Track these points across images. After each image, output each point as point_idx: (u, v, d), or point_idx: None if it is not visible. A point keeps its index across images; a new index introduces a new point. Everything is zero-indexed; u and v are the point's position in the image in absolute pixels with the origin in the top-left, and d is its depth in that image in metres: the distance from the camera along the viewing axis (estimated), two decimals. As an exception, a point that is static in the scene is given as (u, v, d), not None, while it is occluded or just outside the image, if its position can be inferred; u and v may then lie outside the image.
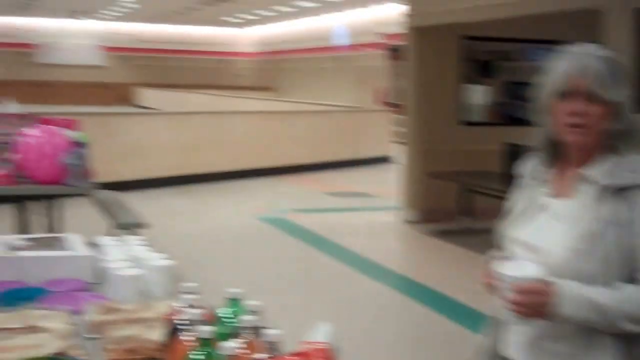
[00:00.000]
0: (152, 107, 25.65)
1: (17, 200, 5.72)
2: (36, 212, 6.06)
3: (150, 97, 29.28)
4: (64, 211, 6.26)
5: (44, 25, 30.54)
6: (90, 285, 2.85)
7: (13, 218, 5.92)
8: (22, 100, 25.31)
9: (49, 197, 5.84)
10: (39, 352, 1.99)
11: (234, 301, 1.87)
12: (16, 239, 3.21)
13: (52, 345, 2.07)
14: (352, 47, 25.49)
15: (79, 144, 5.63)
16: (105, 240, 3.24)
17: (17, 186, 5.43)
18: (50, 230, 5.80)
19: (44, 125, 5.84)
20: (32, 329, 2.20)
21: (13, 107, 6.23)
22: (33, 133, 5.59)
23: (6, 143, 5.73)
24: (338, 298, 6.73)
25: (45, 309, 2.43)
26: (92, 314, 2.34)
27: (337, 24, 26.46)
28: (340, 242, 8.83)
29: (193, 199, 11.85)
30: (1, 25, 28.43)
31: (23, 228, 5.65)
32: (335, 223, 10.00)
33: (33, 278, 2.85)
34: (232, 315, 1.82)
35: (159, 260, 2.80)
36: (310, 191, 12.80)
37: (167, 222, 9.44)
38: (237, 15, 29.01)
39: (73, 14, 28.53)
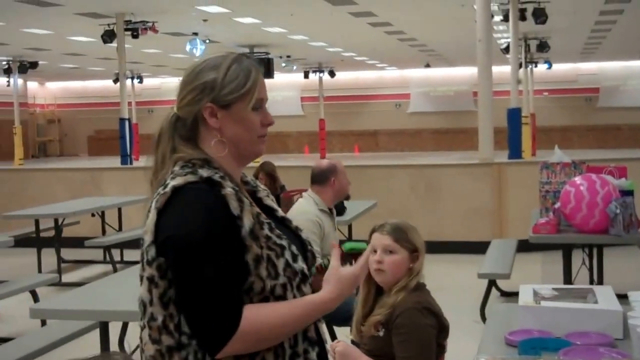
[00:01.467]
0: None
1: (562, 248, 5.94)
2: (581, 261, 6.23)
3: None
4: (608, 261, 6.31)
5: (607, 68, 30.86)
6: (616, 341, 2.89)
7: (558, 265, 6.16)
8: (583, 145, 25.70)
9: (593, 246, 5.96)
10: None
11: None
12: (545, 288, 3.40)
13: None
14: None
15: (626, 192, 5.65)
16: (637, 296, 3.24)
17: (561, 234, 5.67)
18: (592, 279, 5.90)
19: (593, 174, 5.99)
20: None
21: (562, 156, 6.51)
22: (580, 182, 5.77)
23: (555, 191, 6.02)
24: None
25: (562, 360, 2.55)
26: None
27: None
28: None
29: None
30: (561, 71, 29.48)
31: (567, 276, 5.85)
32: None
33: (558, 329, 2.99)
34: None
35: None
36: None
37: None
38: None
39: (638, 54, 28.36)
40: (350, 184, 5.11)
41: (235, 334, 1.77)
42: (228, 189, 1.83)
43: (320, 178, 4.96)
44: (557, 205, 5.83)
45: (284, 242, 1.89)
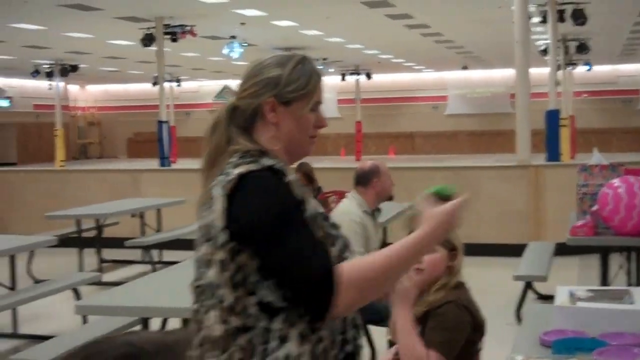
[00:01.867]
0: None
1: (600, 251, 5.94)
2: (619, 264, 6.21)
3: None
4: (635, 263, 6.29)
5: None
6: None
7: (595, 269, 6.15)
8: (622, 148, 25.41)
9: (631, 249, 5.94)
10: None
11: None
12: (581, 290, 3.42)
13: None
14: None
15: (663, 195, 5.62)
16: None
17: (598, 237, 5.66)
18: (629, 283, 5.89)
19: (631, 176, 5.97)
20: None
21: (600, 159, 6.49)
22: (618, 184, 5.76)
23: (592, 194, 6.01)
24: None
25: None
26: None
27: None
28: None
29: None
30: (601, 73, 29.21)
31: (604, 279, 5.84)
32: None
33: (593, 329, 3.02)
34: None
35: None
36: None
37: None
38: None
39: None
40: (394, 185, 5.15)
41: (340, 285, 1.82)
42: (291, 177, 1.93)
43: (363, 179, 5.01)
44: (595, 207, 5.83)
45: (336, 233, 1.98)
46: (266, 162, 1.93)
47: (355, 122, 26.14)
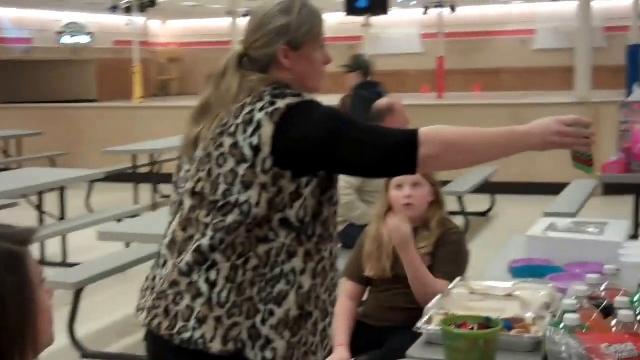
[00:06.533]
0: None
1: (633, 189, 6.06)
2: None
3: None
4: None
5: None
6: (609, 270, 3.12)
7: (629, 206, 6.26)
8: None
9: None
10: (497, 315, 2.41)
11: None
12: (564, 221, 3.64)
13: (512, 311, 2.48)
14: None
15: None
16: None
17: (630, 174, 5.79)
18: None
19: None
20: (509, 298, 2.64)
21: (640, 95, 6.55)
22: (654, 121, 5.86)
23: (627, 131, 6.11)
24: None
25: (540, 283, 2.83)
26: (572, 292, 2.66)
27: None
28: None
29: None
30: None
31: (636, 218, 5.97)
32: None
33: (561, 259, 3.25)
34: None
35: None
36: None
37: None
38: None
39: None
40: (409, 123, 5.37)
41: (424, 135, 2.11)
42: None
43: (377, 117, 5.27)
44: (631, 144, 5.94)
45: None
46: (307, 96, 2.22)
47: (437, 58, 25.97)
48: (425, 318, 2.55)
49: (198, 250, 2.19)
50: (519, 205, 8.64)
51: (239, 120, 2.18)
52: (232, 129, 2.18)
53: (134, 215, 6.82)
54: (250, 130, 2.15)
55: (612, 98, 11.54)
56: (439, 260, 3.33)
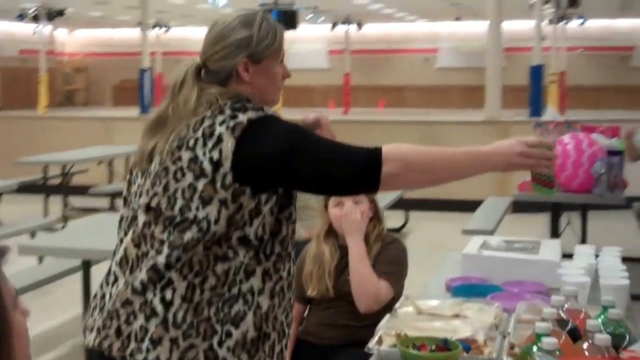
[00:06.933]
0: None
1: (548, 208, 6.16)
2: (570, 220, 6.42)
3: None
4: (594, 221, 6.50)
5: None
6: (548, 290, 3.12)
7: (547, 225, 6.36)
8: (616, 105, 25.29)
9: (578, 206, 6.14)
10: (449, 336, 2.36)
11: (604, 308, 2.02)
12: (495, 239, 3.63)
13: (463, 332, 2.43)
14: None
15: (616, 153, 5.81)
16: (584, 249, 3.46)
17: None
18: (580, 239, 6.10)
19: (581, 133, 6.17)
20: (456, 317, 2.59)
21: (555, 115, 6.69)
22: (568, 140, 5.95)
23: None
24: None
25: (484, 303, 2.80)
26: (519, 312, 2.63)
27: None
28: None
29: None
30: (595, 28, 29.15)
31: (554, 235, 6.06)
32: None
33: (497, 277, 3.24)
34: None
35: (614, 276, 2.93)
36: None
37: None
38: None
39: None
40: (336, 138, 5.32)
41: (387, 154, 2.07)
42: None
43: None
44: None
45: None
46: (268, 111, 2.14)
47: (343, 74, 26.16)
48: (375, 338, 2.48)
49: (153, 268, 2.08)
50: (433, 222, 8.69)
51: (199, 134, 2.08)
52: (190, 143, 2.08)
53: (47, 229, 6.56)
54: (210, 144, 2.06)
55: (518, 117, 11.82)
56: (380, 263, 3.28)
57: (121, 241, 2.20)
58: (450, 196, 9.25)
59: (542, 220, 7.21)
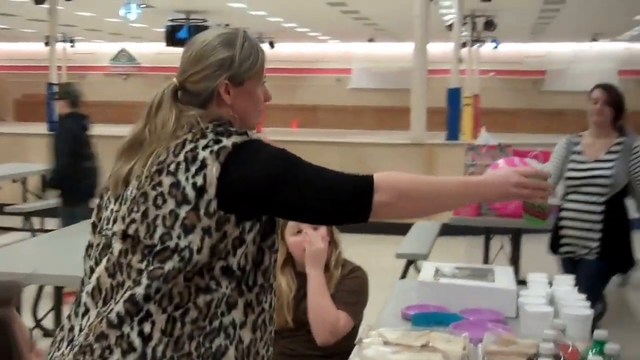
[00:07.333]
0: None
1: (483, 232, 6.23)
2: (501, 244, 6.50)
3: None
4: (525, 245, 6.59)
5: (554, 50, 31.41)
6: (506, 318, 3.13)
7: (480, 249, 6.43)
8: (528, 129, 25.98)
9: (510, 231, 6.23)
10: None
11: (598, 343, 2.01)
12: (448, 266, 3.63)
13: (436, 365, 2.40)
14: None
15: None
16: (537, 277, 3.48)
17: (482, 217, 5.94)
18: (511, 262, 6.19)
19: (516, 157, 6.25)
20: (426, 348, 2.56)
21: (488, 138, 6.77)
22: (502, 165, 6.02)
23: (480, 173, 6.27)
24: None
25: (449, 333, 2.77)
26: (487, 343, 2.62)
27: None
28: None
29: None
30: (508, 52, 29.90)
31: (486, 259, 6.13)
32: None
33: (454, 305, 3.23)
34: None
35: (576, 306, 2.96)
36: None
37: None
38: None
39: (595, 36, 28.86)
40: None
41: (378, 182, 2.00)
42: None
43: None
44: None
45: None
46: (254, 136, 2.05)
47: (256, 93, 26.10)
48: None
49: (131, 299, 1.96)
50: (363, 245, 8.61)
51: (180, 158, 1.99)
52: (172, 167, 1.99)
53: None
54: (193, 168, 1.97)
55: (436, 140, 11.96)
56: (340, 292, 3.23)
57: (92, 270, 2.08)
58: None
59: (467, 243, 7.27)
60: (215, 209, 1.96)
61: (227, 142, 2.00)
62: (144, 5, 18.68)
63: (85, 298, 2.06)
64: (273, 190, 1.98)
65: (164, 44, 21.88)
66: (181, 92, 2.12)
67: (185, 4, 19.97)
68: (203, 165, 1.97)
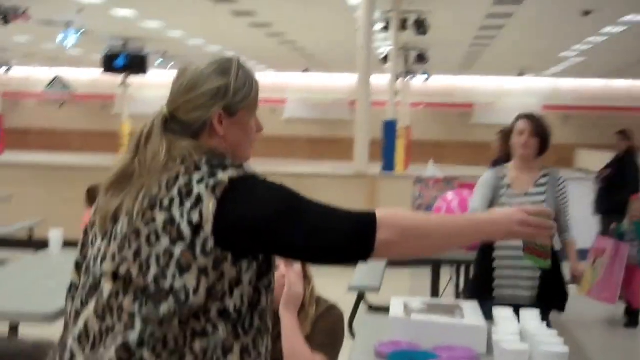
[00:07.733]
0: (591, 170, 25.32)
1: (431, 263, 6.21)
2: (450, 276, 6.50)
3: (587, 159, 28.89)
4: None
5: (482, 84, 32.00)
6: (479, 356, 3.09)
7: (427, 280, 6.41)
8: (457, 161, 26.38)
9: (459, 263, 6.24)
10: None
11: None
12: (416, 302, 3.57)
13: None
14: None
15: (496, 210, 5.93)
16: (505, 313, 3.45)
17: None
18: (457, 296, 6.19)
19: (465, 189, 6.27)
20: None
21: (435, 171, 6.79)
22: (452, 197, 6.04)
23: (427, 206, 6.27)
24: None
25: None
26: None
27: None
28: None
29: None
30: (438, 84, 30.33)
31: (434, 291, 6.11)
32: None
33: (426, 342, 3.17)
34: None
35: (551, 342, 2.93)
36: None
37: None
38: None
39: (522, 71, 29.48)
40: None
41: (381, 220, 1.90)
42: None
43: None
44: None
45: None
46: (249, 169, 1.92)
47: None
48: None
49: (124, 346, 1.83)
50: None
51: (174, 193, 1.87)
52: (165, 202, 1.86)
53: None
54: (188, 204, 1.85)
55: (376, 171, 11.97)
56: (316, 334, 3.15)
57: (77, 313, 1.94)
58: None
59: (411, 275, 7.24)
60: (212, 247, 1.84)
61: (223, 176, 1.88)
62: (82, 31, 18.40)
63: (71, 343, 1.92)
64: (273, 228, 1.87)
65: (101, 70, 21.57)
66: (172, 122, 1.98)
67: (124, 31, 19.75)
68: (198, 200, 1.85)
